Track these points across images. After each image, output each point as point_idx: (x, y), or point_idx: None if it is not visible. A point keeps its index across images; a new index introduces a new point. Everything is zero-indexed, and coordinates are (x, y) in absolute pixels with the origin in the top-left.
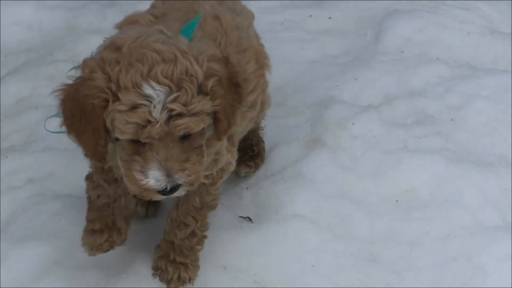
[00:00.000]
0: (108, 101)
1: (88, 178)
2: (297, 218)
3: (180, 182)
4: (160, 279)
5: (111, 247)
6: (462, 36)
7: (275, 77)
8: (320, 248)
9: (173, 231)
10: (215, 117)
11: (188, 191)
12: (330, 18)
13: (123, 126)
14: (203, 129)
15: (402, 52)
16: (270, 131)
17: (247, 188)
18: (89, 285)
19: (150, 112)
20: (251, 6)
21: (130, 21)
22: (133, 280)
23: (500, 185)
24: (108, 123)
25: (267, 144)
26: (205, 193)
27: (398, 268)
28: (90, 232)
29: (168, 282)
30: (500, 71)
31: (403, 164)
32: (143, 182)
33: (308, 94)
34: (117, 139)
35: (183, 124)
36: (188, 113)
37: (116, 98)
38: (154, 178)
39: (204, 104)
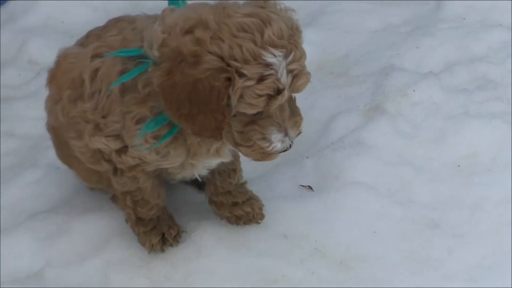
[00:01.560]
0: (229, 80)
1: (113, 198)
2: (357, 185)
3: (295, 137)
4: (245, 224)
5: (174, 242)
6: None
7: (338, 48)
8: (381, 215)
9: (226, 182)
10: None
11: None
12: None
13: (254, 100)
14: None
15: (464, 18)
16: (330, 101)
17: (307, 157)
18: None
19: (278, 80)
20: None
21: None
22: (194, 249)
23: None
24: (233, 100)
25: (328, 114)
26: None
27: (460, 232)
28: (143, 233)
29: (254, 218)
30: None
31: (464, 129)
32: (269, 148)
33: (370, 64)
34: (234, 115)
35: (304, 83)
36: (304, 69)
37: (240, 74)
38: (279, 141)
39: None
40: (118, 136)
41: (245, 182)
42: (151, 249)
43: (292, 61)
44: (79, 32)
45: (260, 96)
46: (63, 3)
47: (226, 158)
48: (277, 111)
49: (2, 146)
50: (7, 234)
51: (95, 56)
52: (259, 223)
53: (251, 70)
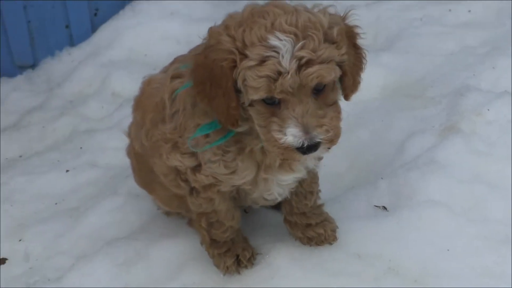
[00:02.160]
0: (236, 62)
1: (190, 222)
2: (431, 203)
3: (318, 139)
4: (317, 244)
5: (249, 264)
6: None
7: (414, 71)
8: (454, 232)
9: (302, 203)
10: (342, 71)
11: (328, 149)
12: (469, 11)
13: (255, 82)
14: (334, 83)
15: None
16: (405, 122)
17: (381, 178)
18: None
19: (279, 63)
20: (392, 5)
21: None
22: (268, 271)
23: None
24: (240, 84)
25: (402, 135)
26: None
27: None
28: (218, 255)
29: (327, 240)
30: None
31: None
32: (282, 141)
33: (445, 85)
34: (251, 105)
35: (315, 72)
36: (317, 59)
37: (244, 56)
38: (292, 135)
39: (332, 51)
40: (193, 153)
41: (321, 204)
42: (226, 271)
43: (302, 48)
44: (162, 64)
45: (260, 77)
46: (146, 36)
47: (299, 173)
48: (295, 103)
49: (84, 176)
50: (86, 261)
51: (174, 77)
52: (332, 244)
53: (254, 51)
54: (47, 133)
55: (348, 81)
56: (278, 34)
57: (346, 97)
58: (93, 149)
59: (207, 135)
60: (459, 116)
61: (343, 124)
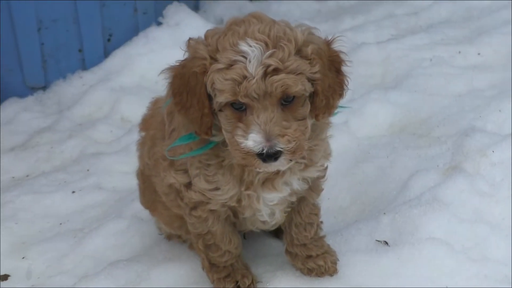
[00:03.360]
0: (207, 67)
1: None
2: (432, 241)
3: (279, 148)
4: (318, 276)
5: None
6: None
7: (421, 110)
8: (454, 270)
9: (302, 235)
10: (313, 90)
11: (290, 161)
12: (479, 54)
13: (221, 84)
14: (305, 100)
15: None
16: (410, 160)
17: (384, 213)
18: None
19: (246, 67)
20: (402, 44)
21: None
22: None
23: None
24: (209, 88)
25: (407, 172)
26: (318, 188)
27: None
28: (218, 280)
29: (327, 271)
30: None
31: None
32: (242, 145)
33: (452, 126)
34: (220, 111)
35: (280, 81)
36: (284, 69)
37: (214, 61)
38: (252, 140)
39: (302, 65)
40: (185, 171)
41: (323, 236)
42: None
43: (270, 56)
44: None
45: (226, 80)
46: (157, 64)
47: (283, 192)
48: (259, 110)
49: (89, 198)
50: (88, 281)
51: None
52: (332, 276)
53: (223, 56)
54: (55, 154)
55: (320, 102)
56: (249, 40)
57: (316, 117)
58: (100, 172)
59: (189, 147)
60: (463, 156)
61: (349, 159)
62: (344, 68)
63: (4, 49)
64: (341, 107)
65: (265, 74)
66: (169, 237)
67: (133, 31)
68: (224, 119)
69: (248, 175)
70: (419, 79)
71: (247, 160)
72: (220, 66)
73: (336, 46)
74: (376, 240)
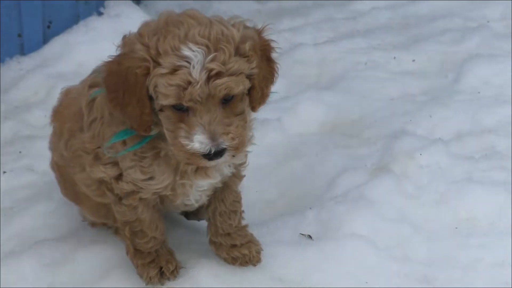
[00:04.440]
0: (149, 69)
1: (117, 231)
2: (356, 237)
3: (224, 146)
4: (242, 265)
5: (172, 276)
6: None
7: (353, 111)
8: (376, 268)
9: (226, 223)
10: (251, 84)
11: (233, 156)
12: (413, 60)
13: (165, 89)
14: (243, 94)
15: (479, 92)
16: (339, 159)
17: (310, 208)
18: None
19: (190, 73)
20: (340, 47)
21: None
22: (190, 285)
23: None
24: (151, 90)
25: (335, 170)
26: (240, 174)
27: None
28: (142, 265)
29: (251, 261)
30: None
31: (466, 194)
32: (188, 147)
33: (383, 128)
34: (161, 110)
35: (223, 84)
36: (227, 72)
37: (157, 64)
38: (198, 142)
39: (242, 64)
40: (115, 163)
41: (246, 225)
42: (149, 281)
43: (213, 60)
44: None
45: (171, 85)
46: (96, 52)
47: (215, 179)
48: (202, 111)
49: (20, 179)
50: (14, 257)
51: (92, 86)
52: (255, 265)
53: (166, 60)
54: None
55: (256, 94)
56: (191, 45)
57: (253, 109)
58: (32, 155)
59: (124, 142)
60: (391, 158)
61: (279, 154)
62: (274, 55)
63: None
64: (271, 93)
65: (208, 78)
66: (93, 224)
67: (73, 20)
68: (166, 119)
69: (183, 165)
70: (353, 81)
71: (192, 160)
72: (164, 71)
73: (266, 34)
74: (301, 234)
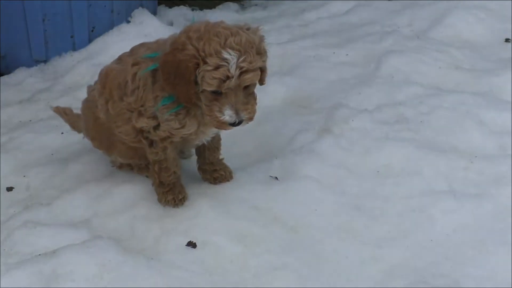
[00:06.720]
0: (198, 64)
1: (139, 170)
2: (308, 178)
3: (244, 118)
4: (221, 182)
5: (180, 202)
6: (435, 69)
7: (305, 90)
8: (322, 199)
9: (212, 155)
10: (261, 71)
11: (247, 123)
12: (347, 55)
13: (210, 81)
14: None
15: (393, 77)
16: (296, 123)
17: (276, 158)
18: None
19: (228, 70)
20: (296, 45)
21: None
22: (193, 211)
23: (449, 164)
24: (198, 79)
25: (293, 131)
26: None
27: (374, 214)
28: (162, 193)
29: (226, 178)
30: (458, 92)
31: (384, 147)
32: (221, 118)
33: (326, 102)
34: (202, 92)
35: (249, 78)
36: (251, 68)
37: (204, 62)
38: (228, 115)
39: (259, 62)
40: (154, 117)
41: (223, 158)
42: (166, 203)
43: (243, 61)
44: None
45: (214, 78)
46: (125, 48)
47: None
48: (231, 95)
49: (73, 138)
50: (70, 193)
51: (134, 64)
52: (229, 181)
53: (212, 61)
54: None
55: (264, 76)
56: (229, 50)
57: (262, 84)
58: None
59: (168, 107)
60: (332, 122)
61: (254, 120)
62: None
63: (19, 32)
64: None
65: (240, 74)
66: (120, 167)
67: (109, 26)
68: (205, 97)
69: (203, 119)
70: (305, 69)
71: (220, 126)
72: (209, 68)
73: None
74: (270, 176)
